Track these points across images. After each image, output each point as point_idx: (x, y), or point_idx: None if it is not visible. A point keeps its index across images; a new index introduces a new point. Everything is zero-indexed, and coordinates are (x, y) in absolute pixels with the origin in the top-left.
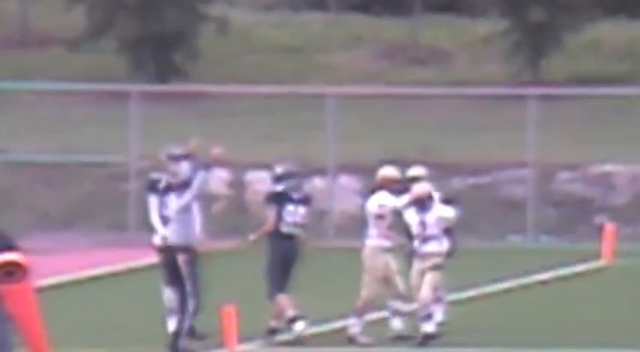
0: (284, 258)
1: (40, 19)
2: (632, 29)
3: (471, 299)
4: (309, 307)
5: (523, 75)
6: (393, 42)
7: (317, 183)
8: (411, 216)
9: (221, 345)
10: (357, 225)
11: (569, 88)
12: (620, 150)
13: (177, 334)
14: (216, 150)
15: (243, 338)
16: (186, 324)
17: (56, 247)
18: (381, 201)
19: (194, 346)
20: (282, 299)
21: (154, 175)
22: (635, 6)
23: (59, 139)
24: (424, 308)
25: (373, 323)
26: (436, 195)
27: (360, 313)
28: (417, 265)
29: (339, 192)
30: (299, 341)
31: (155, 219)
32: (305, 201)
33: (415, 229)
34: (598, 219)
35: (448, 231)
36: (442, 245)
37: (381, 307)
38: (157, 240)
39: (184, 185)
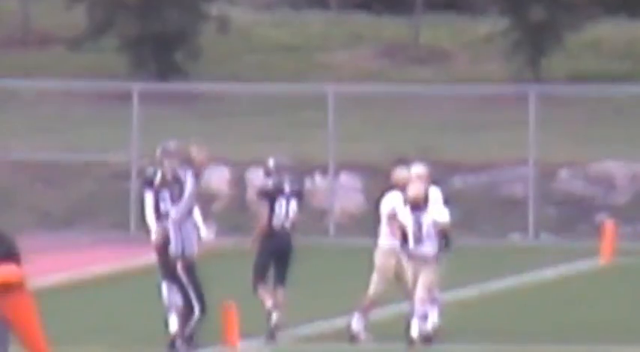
0: (276, 252)
1: (41, 17)
2: (633, 28)
3: (472, 297)
4: (309, 306)
5: (523, 74)
6: (394, 41)
7: (318, 181)
8: (406, 217)
9: (222, 343)
10: (358, 223)
11: (570, 86)
12: (621, 149)
13: (176, 337)
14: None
15: (244, 336)
16: (190, 330)
17: (57, 246)
18: (394, 202)
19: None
20: (261, 291)
21: (149, 171)
22: (635, 5)
23: (60, 138)
24: (419, 309)
25: (374, 322)
26: (436, 195)
27: (364, 310)
28: (411, 266)
29: (340, 191)
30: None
31: (150, 216)
32: (297, 194)
33: (410, 230)
34: (598, 218)
35: (443, 235)
36: (437, 246)
37: (381, 306)
38: (153, 237)
39: (177, 182)
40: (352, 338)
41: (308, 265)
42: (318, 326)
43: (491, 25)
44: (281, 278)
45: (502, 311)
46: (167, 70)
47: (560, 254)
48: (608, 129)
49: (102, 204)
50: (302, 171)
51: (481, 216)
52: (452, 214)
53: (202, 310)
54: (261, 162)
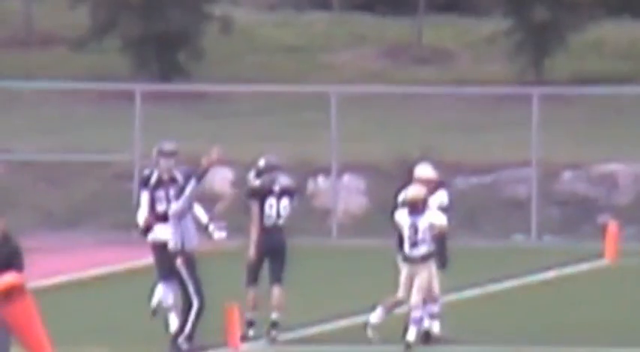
0: (269, 252)
1: (44, 18)
2: (636, 29)
3: (474, 298)
4: (312, 306)
5: (526, 74)
6: (397, 41)
7: (320, 182)
8: (403, 219)
9: (224, 344)
10: (361, 224)
11: (573, 87)
12: (624, 150)
13: (177, 334)
14: (212, 156)
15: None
16: (190, 325)
17: (60, 246)
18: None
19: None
20: (249, 292)
21: (146, 171)
22: (638, 6)
23: (63, 138)
24: (415, 311)
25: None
26: (438, 200)
27: (388, 308)
28: (407, 269)
29: (343, 192)
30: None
31: (141, 214)
32: (288, 193)
33: (406, 232)
34: (601, 219)
35: (439, 239)
36: (432, 249)
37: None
38: (150, 237)
39: (174, 181)
40: (365, 326)
41: (311, 266)
42: (321, 327)
43: (494, 25)
44: (276, 277)
45: (505, 312)
46: (170, 71)
47: (564, 255)
48: (611, 129)
49: (104, 204)
50: (305, 171)
51: (484, 217)
52: (454, 216)
53: (201, 305)
54: None
